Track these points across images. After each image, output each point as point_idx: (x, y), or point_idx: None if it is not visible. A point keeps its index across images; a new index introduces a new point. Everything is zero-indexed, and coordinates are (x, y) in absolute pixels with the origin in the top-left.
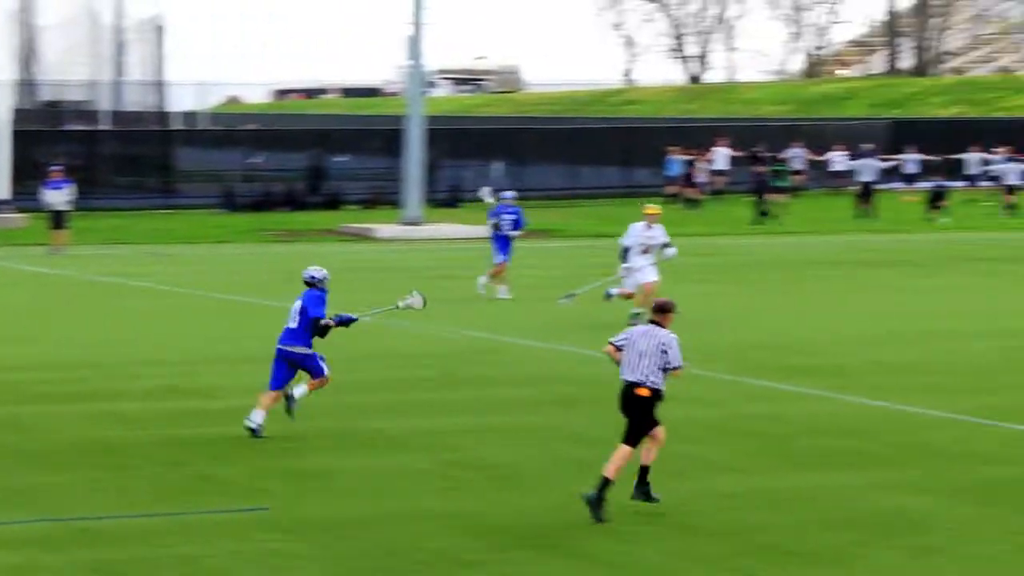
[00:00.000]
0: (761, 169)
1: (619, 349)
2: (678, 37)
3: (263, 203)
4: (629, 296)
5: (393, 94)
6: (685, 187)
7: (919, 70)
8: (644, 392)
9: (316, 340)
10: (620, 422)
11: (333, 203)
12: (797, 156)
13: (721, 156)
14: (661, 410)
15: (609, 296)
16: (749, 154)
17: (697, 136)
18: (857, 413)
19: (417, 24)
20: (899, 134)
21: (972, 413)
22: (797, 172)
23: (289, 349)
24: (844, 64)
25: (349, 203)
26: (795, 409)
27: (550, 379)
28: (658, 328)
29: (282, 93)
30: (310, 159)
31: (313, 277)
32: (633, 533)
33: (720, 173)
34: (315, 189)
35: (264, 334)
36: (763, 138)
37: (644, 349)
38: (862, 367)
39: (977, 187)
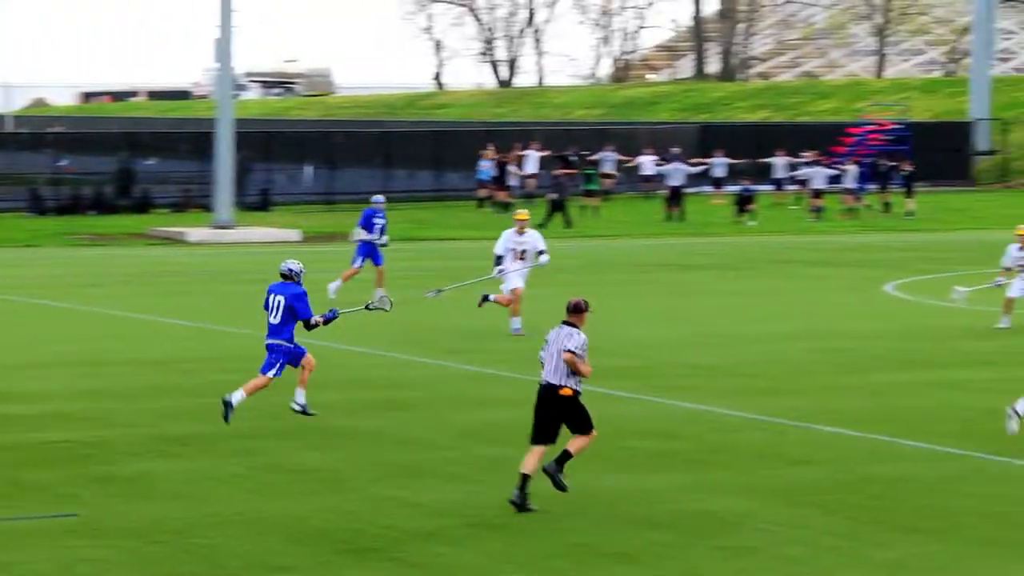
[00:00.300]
0: (559, 172)
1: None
2: (488, 41)
3: (71, 207)
4: (508, 303)
5: (202, 97)
6: (497, 190)
7: (726, 75)
8: (567, 392)
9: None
10: (439, 425)
11: (143, 207)
12: (608, 159)
13: (532, 159)
14: (471, 413)
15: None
16: (559, 157)
17: (508, 139)
18: (668, 414)
19: (225, 27)
20: (707, 138)
21: (781, 415)
22: (608, 175)
23: (277, 343)
24: (652, 69)
25: (159, 207)
26: (607, 410)
27: (369, 384)
28: (570, 329)
29: (89, 96)
30: (119, 162)
31: (291, 270)
32: (451, 536)
33: (531, 176)
34: (124, 192)
35: (72, 337)
36: (574, 142)
37: (554, 351)
38: (672, 369)
39: (784, 191)
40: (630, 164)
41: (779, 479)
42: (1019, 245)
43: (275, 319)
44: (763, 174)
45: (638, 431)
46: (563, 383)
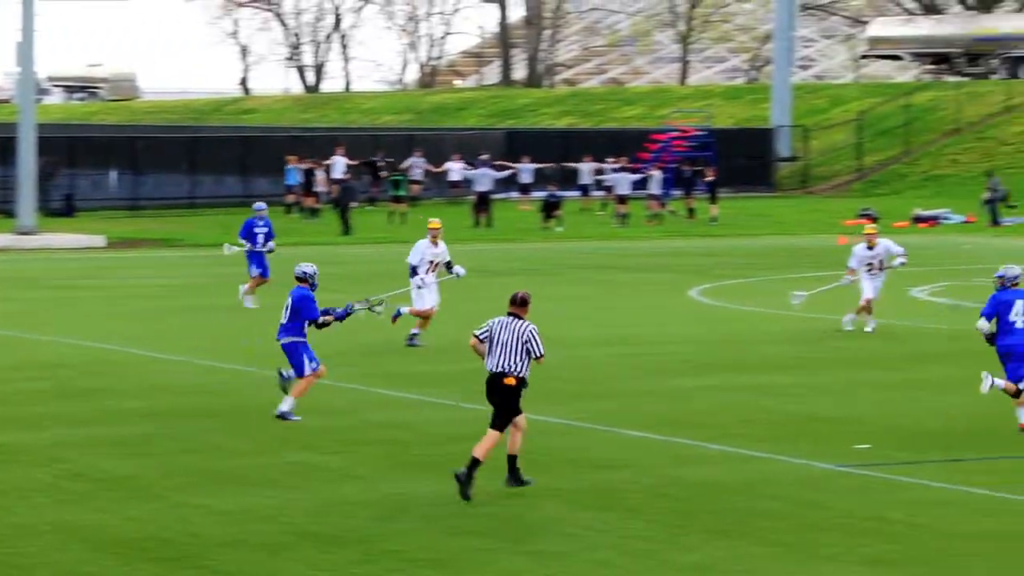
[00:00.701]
0: (344, 177)
1: (482, 341)
2: (294, 46)
3: None
4: (419, 315)
5: (4, 101)
6: (304, 196)
7: (532, 81)
8: (510, 381)
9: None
10: (248, 432)
11: None
12: (416, 165)
13: (339, 165)
14: (279, 420)
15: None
16: (367, 163)
17: (316, 145)
18: (477, 419)
19: (27, 30)
20: (514, 144)
21: (588, 419)
22: (416, 181)
23: (282, 342)
24: (459, 75)
25: None
26: (417, 417)
27: (175, 390)
28: (517, 320)
29: None
30: None
31: (304, 273)
32: (261, 543)
33: (339, 182)
34: None
35: None
36: (382, 147)
37: (505, 340)
38: (480, 374)
39: (590, 197)
40: (438, 170)
41: (586, 483)
42: (866, 245)
43: (284, 319)
44: (570, 180)
45: (449, 437)
46: (510, 371)
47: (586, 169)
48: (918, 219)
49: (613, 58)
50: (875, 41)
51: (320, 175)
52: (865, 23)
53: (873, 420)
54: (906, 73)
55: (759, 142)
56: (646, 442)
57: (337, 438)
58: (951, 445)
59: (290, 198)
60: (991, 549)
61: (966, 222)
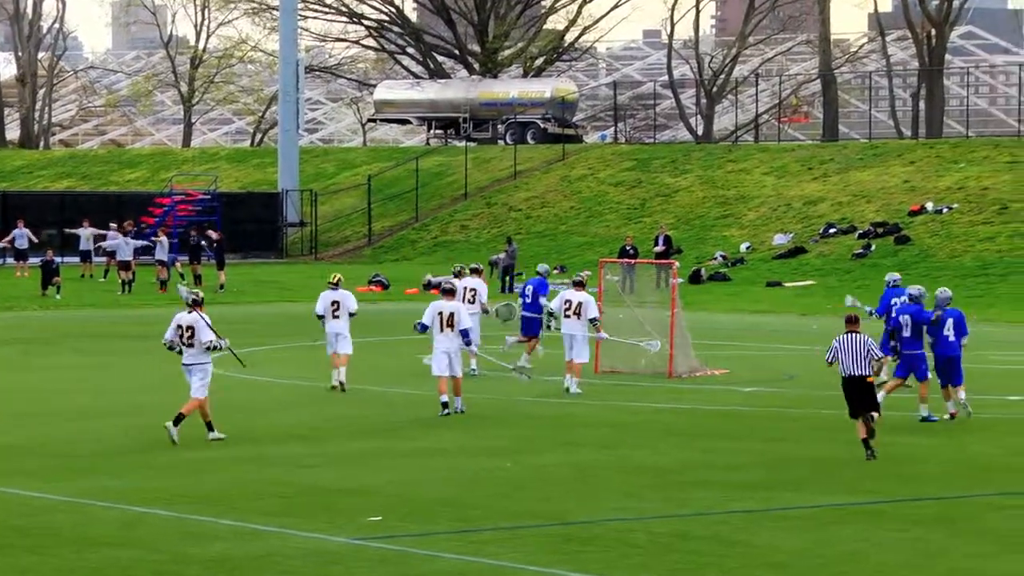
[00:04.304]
0: None
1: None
2: None
3: None
4: None
5: None
6: None
7: (27, 142)
8: (871, 379)
9: None
10: None
11: None
12: None
13: None
14: None
15: None
16: None
17: None
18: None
19: None
20: (8, 208)
21: (91, 495)
22: None
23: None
24: None
25: None
26: None
27: None
28: (860, 335)
29: None
30: None
31: (923, 293)
32: None
33: None
34: None
35: None
36: None
37: (859, 351)
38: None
39: (91, 263)
40: None
41: (90, 562)
42: None
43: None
44: (69, 245)
45: None
46: (867, 373)
47: (85, 234)
48: (429, 285)
49: (113, 119)
50: (382, 104)
51: None
52: (372, 86)
53: (384, 490)
54: (414, 137)
55: (266, 207)
56: (154, 518)
57: None
58: (462, 515)
59: None
60: None
61: None
